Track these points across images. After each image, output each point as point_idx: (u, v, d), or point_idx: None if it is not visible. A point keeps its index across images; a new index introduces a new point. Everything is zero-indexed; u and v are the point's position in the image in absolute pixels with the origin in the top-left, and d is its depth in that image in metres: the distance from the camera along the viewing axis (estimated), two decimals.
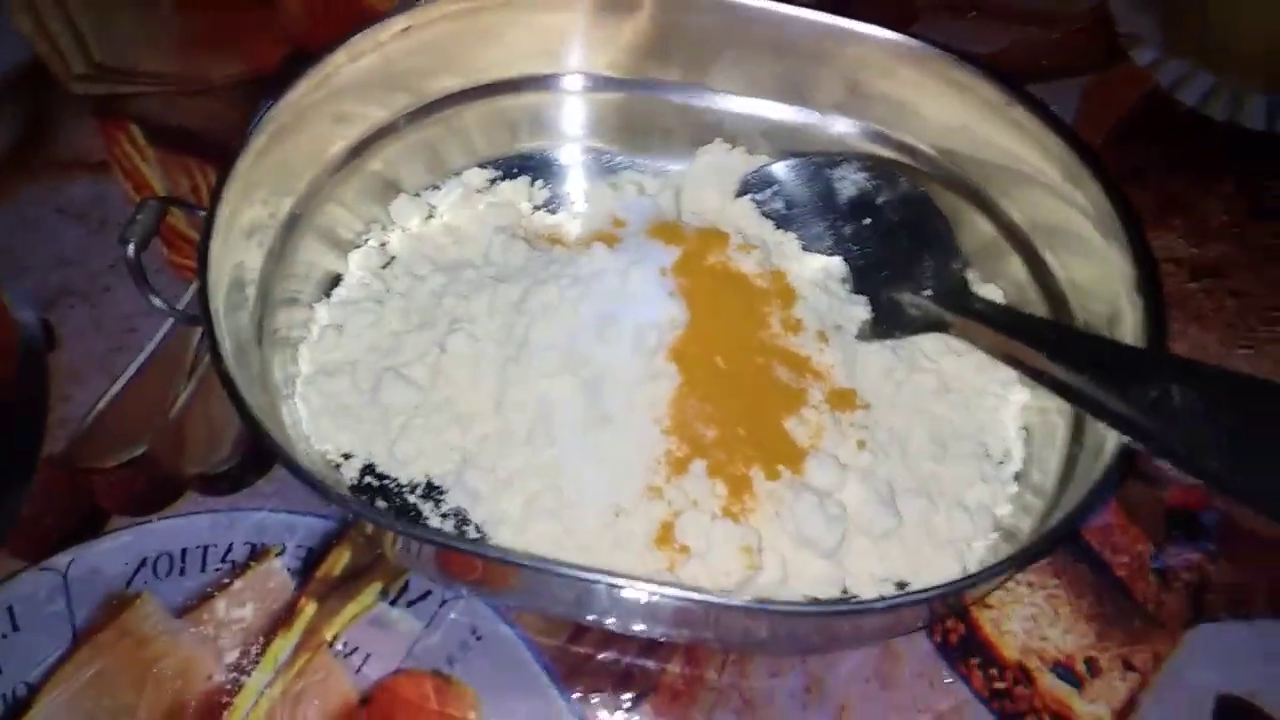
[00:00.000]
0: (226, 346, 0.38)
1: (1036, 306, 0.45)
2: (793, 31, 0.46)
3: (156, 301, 0.42)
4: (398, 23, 0.44)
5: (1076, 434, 0.41)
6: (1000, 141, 0.45)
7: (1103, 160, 0.41)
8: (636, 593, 0.35)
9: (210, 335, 0.38)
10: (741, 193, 0.49)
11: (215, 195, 0.40)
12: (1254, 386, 0.34)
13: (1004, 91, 0.43)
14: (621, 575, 0.35)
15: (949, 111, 0.46)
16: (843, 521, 0.40)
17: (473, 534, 0.42)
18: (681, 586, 0.35)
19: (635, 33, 0.48)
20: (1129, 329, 0.39)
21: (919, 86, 0.46)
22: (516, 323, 0.43)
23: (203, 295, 0.38)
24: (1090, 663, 0.41)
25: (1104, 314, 0.41)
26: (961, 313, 0.43)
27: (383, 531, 0.40)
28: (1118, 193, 0.40)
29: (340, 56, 0.44)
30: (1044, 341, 0.40)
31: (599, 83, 0.50)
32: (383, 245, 0.49)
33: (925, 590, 0.35)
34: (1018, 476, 0.44)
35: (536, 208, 0.50)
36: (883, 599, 0.36)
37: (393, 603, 0.42)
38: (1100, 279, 0.42)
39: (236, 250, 0.42)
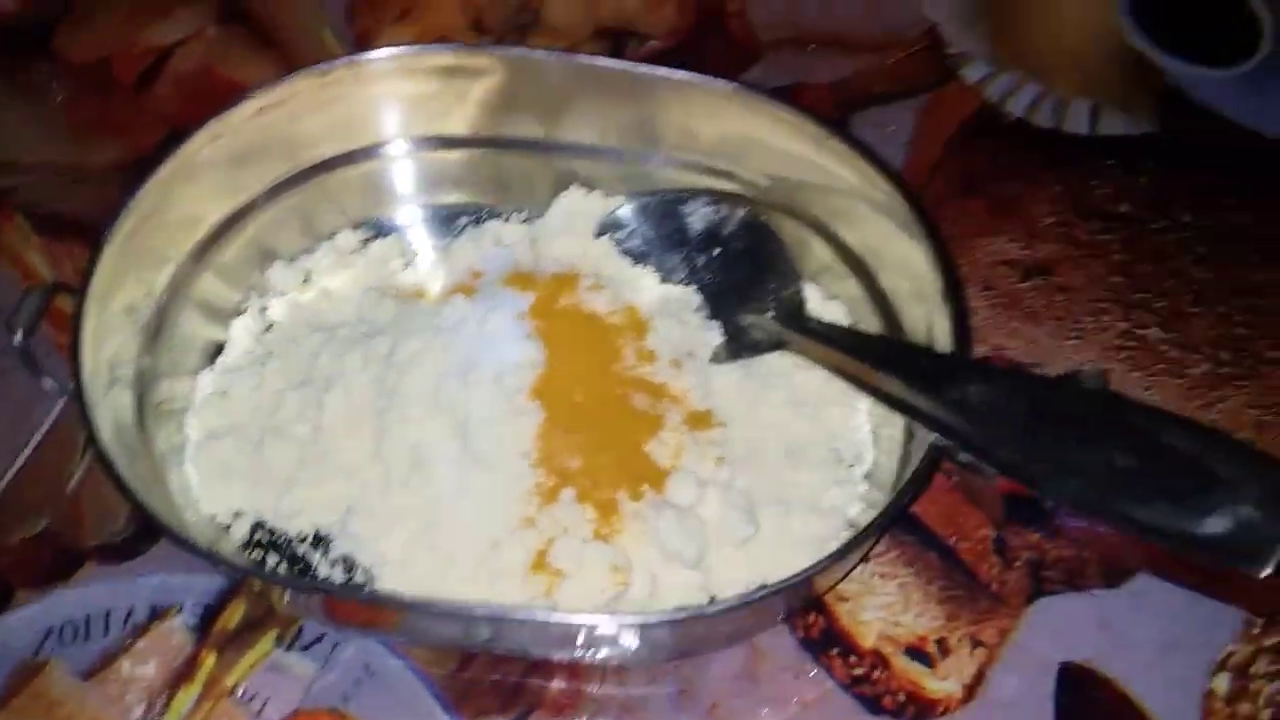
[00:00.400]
0: (103, 426, 0.41)
1: (872, 320, 0.49)
2: (629, 84, 0.49)
3: (47, 384, 0.44)
4: (251, 105, 0.47)
5: (909, 433, 0.44)
6: (826, 170, 0.48)
7: (906, 181, 0.44)
8: (502, 618, 0.39)
9: (85, 417, 0.40)
10: (600, 233, 0.53)
11: (83, 282, 0.43)
12: (1035, 383, 0.38)
13: (820, 125, 0.47)
14: (482, 605, 0.38)
15: (779, 145, 0.49)
16: (701, 533, 0.44)
17: (360, 577, 0.44)
18: (532, 608, 0.38)
19: (486, 92, 0.51)
20: (940, 335, 0.43)
21: (748, 125, 0.49)
22: (387, 375, 0.46)
23: (76, 379, 0.41)
24: (940, 643, 0.44)
25: (923, 322, 0.45)
26: (798, 331, 0.46)
27: (270, 586, 0.43)
28: (920, 211, 0.44)
29: (200, 140, 0.46)
30: (867, 353, 0.43)
31: (457, 142, 0.53)
32: (263, 311, 0.52)
33: (762, 589, 0.38)
34: (868, 476, 0.47)
35: (406, 264, 0.53)
36: (714, 602, 0.39)
37: (288, 648, 0.45)
38: (916, 291, 0.45)
39: (112, 330, 0.44)
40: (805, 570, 0.39)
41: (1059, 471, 0.34)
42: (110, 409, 0.44)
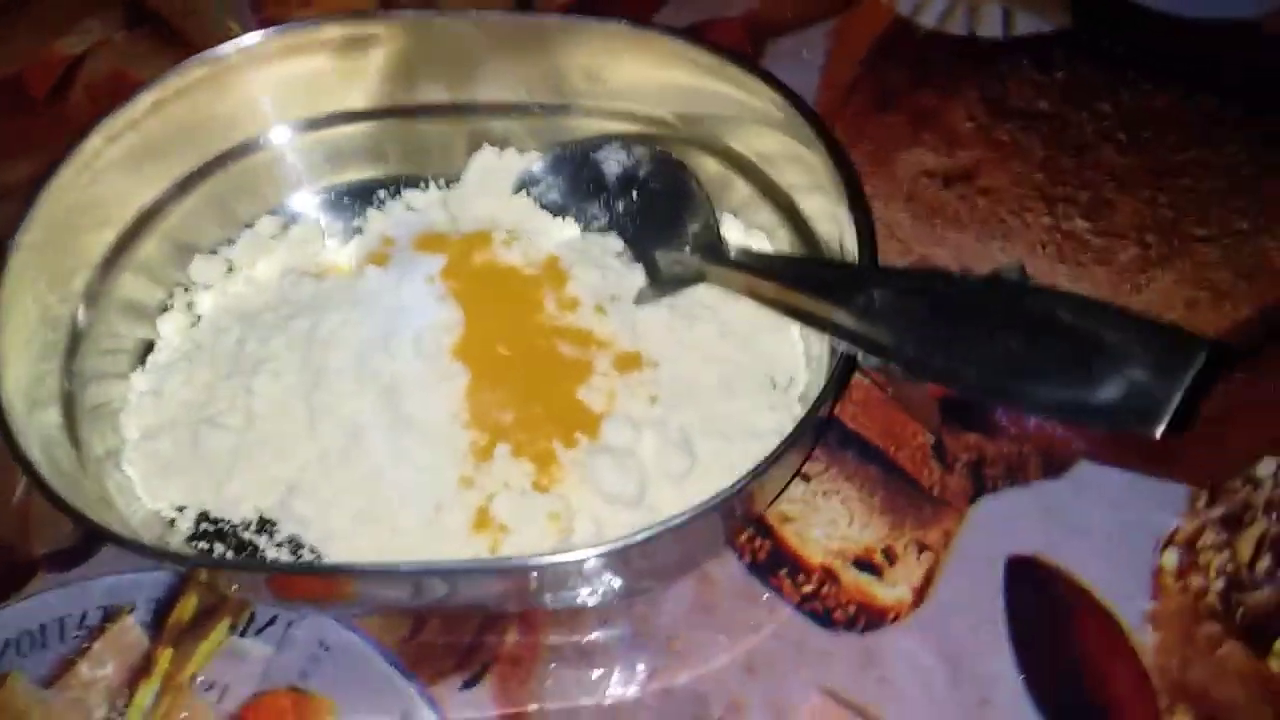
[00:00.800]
0: (29, 439, 0.41)
1: (793, 246, 0.48)
2: (530, 36, 0.49)
3: None
4: (145, 99, 0.47)
5: (835, 350, 0.44)
6: (732, 101, 0.48)
7: (799, 97, 0.44)
8: (445, 574, 0.39)
9: (7, 434, 0.40)
10: (518, 190, 0.53)
11: None
12: (935, 281, 0.38)
13: (716, 55, 0.47)
14: (422, 563, 0.38)
15: (684, 82, 0.49)
16: (639, 472, 0.44)
17: (308, 556, 0.45)
18: (475, 561, 0.38)
19: (388, 61, 0.51)
20: (851, 247, 0.43)
21: (651, 64, 0.49)
22: (310, 354, 0.46)
23: None
24: (887, 551, 0.45)
25: (837, 240, 0.45)
26: (716, 262, 0.46)
27: (216, 573, 0.43)
28: (817, 123, 0.44)
29: (96, 141, 0.46)
30: (779, 273, 0.43)
31: (365, 115, 0.52)
32: (189, 306, 0.52)
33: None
34: (802, 397, 0.47)
35: (327, 244, 0.53)
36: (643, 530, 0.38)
37: (242, 634, 0.45)
38: (829, 211, 0.45)
39: (30, 341, 0.44)
40: (727, 488, 0.38)
41: (957, 361, 0.34)
42: (37, 421, 0.44)
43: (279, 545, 0.45)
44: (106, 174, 0.47)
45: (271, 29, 0.48)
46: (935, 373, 0.35)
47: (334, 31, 0.49)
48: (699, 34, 0.58)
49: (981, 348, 0.34)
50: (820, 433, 0.46)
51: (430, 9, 0.53)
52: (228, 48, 0.48)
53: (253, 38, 0.48)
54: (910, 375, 0.36)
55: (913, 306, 0.37)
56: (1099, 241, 0.51)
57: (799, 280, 0.42)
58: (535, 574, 0.40)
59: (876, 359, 0.37)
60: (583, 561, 0.39)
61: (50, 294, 0.46)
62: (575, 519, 0.44)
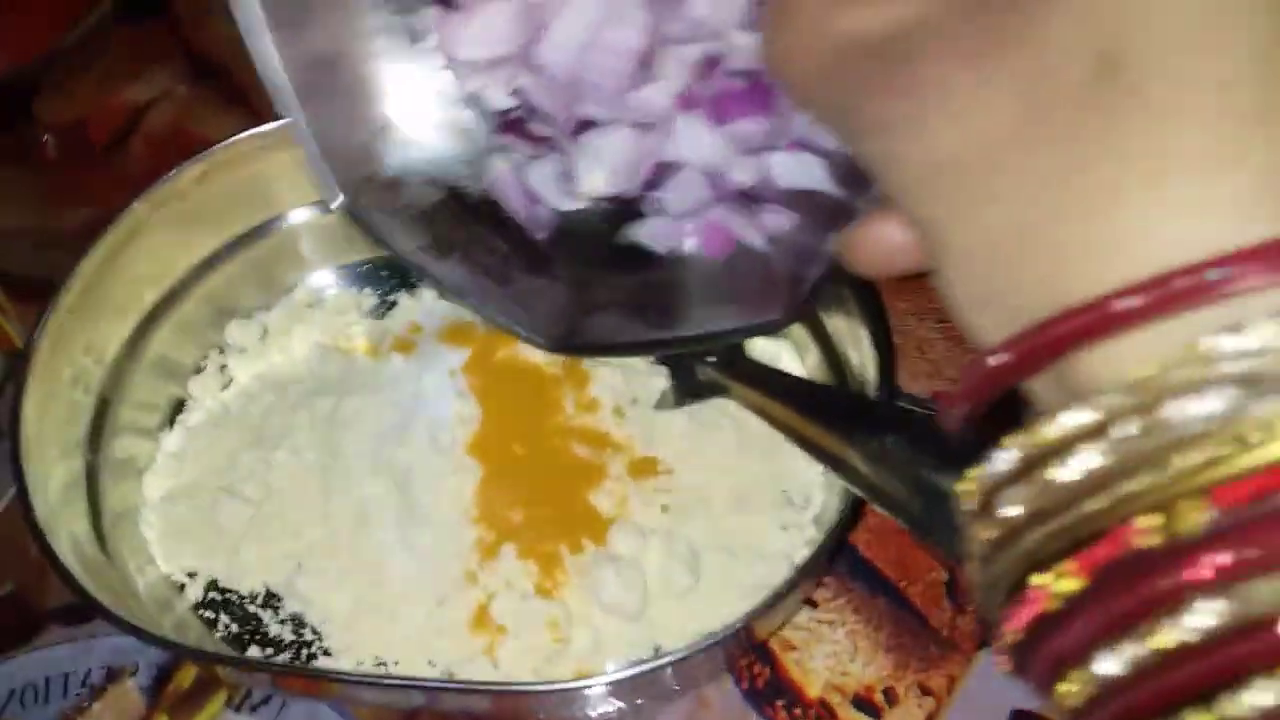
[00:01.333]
0: (41, 496, 0.41)
1: (819, 363, 0.48)
2: None
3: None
4: (193, 170, 0.48)
5: None
6: None
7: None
8: (432, 690, 0.40)
9: (21, 489, 0.41)
10: None
11: (27, 348, 0.44)
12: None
13: None
14: (410, 678, 0.39)
15: None
16: (642, 585, 0.43)
17: (309, 635, 0.45)
18: (464, 679, 0.38)
19: None
20: (872, 377, 0.42)
21: None
22: (330, 434, 0.47)
23: (14, 445, 0.42)
24: (888, 692, 0.44)
25: (859, 362, 0.44)
26: (734, 378, 0.46)
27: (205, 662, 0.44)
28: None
29: (141, 208, 0.47)
30: (795, 398, 0.43)
31: None
32: (222, 369, 0.52)
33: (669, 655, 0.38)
34: (817, 519, 0.46)
35: (363, 315, 0.53)
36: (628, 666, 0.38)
37: (238, 709, 0.45)
38: (855, 337, 0.45)
39: (60, 393, 0.45)
40: (731, 625, 0.38)
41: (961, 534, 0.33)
42: (59, 473, 0.45)
43: (282, 622, 0.46)
44: (150, 239, 0.48)
45: None
46: (938, 541, 0.34)
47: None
48: None
49: None
50: (832, 559, 0.45)
51: None
52: (277, 126, 0.49)
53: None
54: (916, 536, 0.35)
55: (926, 459, 0.36)
56: None
57: (812, 409, 0.41)
58: (525, 699, 0.40)
59: (883, 509, 0.36)
60: (571, 690, 0.39)
61: (85, 355, 0.47)
62: (574, 627, 0.44)
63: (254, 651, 0.45)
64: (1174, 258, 0.17)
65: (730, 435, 0.48)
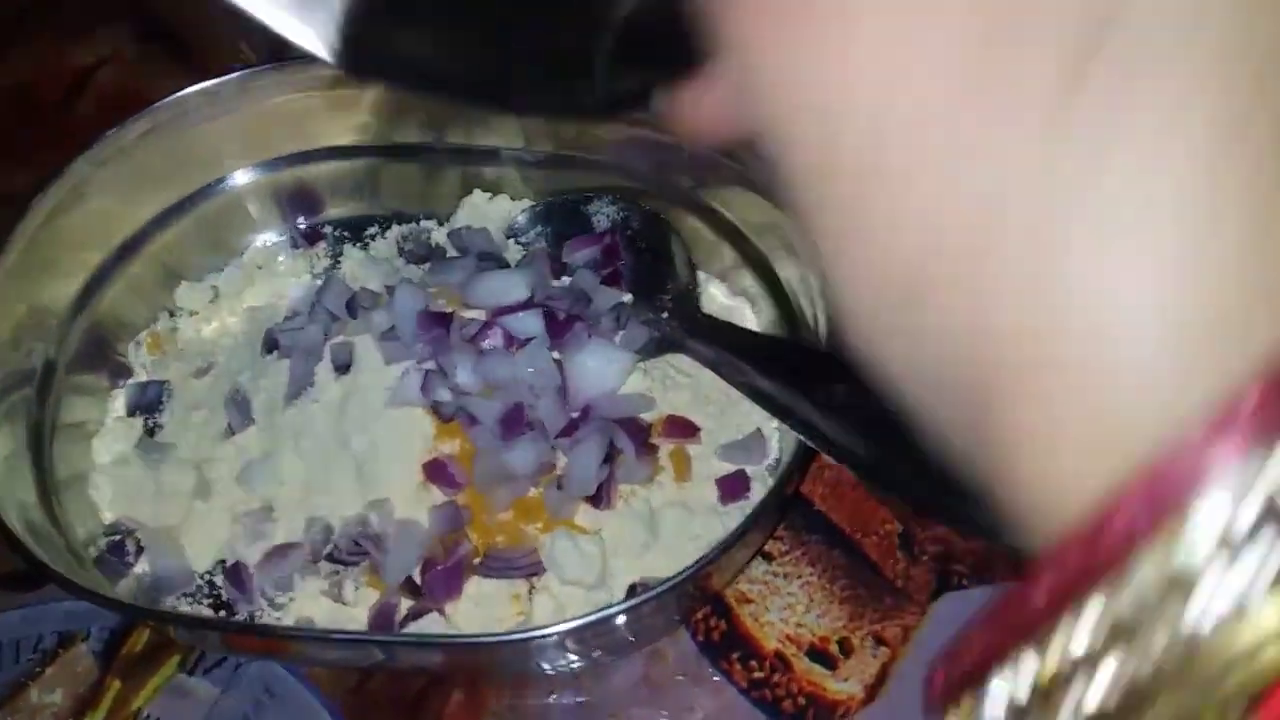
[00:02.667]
0: None
1: (773, 316, 0.48)
2: None
3: None
4: (139, 125, 0.47)
5: None
6: (718, 164, 0.47)
7: None
8: (385, 645, 0.39)
9: None
10: (509, 237, 0.52)
11: None
12: None
13: None
14: (352, 632, 0.39)
15: (673, 142, 0.48)
16: (599, 558, 0.43)
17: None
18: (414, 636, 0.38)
19: (379, 101, 0.50)
20: (824, 332, 0.42)
21: (642, 122, 0.48)
22: (273, 419, 0.46)
23: None
24: (843, 643, 0.44)
25: (812, 316, 0.44)
26: (690, 334, 0.46)
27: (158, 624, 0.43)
28: None
29: (84, 167, 0.46)
30: (746, 351, 0.42)
31: (356, 151, 0.52)
32: (173, 331, 0.52)
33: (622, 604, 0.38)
34: (773, 469, 0.46)
35: (315, 276, 0.53)
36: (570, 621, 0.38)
37: (190, 672, 0.45)
38: (807, 288, 0.44)
39: (2, 362, 0.45)
40: (679, 574, 0.38)
41: (913, 475, 0.33)
42: (3, 438, 0.44)
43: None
44: (95, 199, 0.47)
45: (268, 65, 0.48)
46: (892, 484, 0.34)
47: (329, 71, 0.49)
48: None
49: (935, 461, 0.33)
50: (785, 511, 0.45)
51: None
52: (223, 81, 0.48)
53: (248, 73, 0.48)
54: (865, 482, 0.35)
55: (876, 406, 0.36)
56: None
57: (763, 362, 0.41)
58: (482, 651, 0.40)
59: (833, 458, 0.36)
60: (529, 642, 0.39)
61: (28, 318, 0.46)
62: (535, 598, 0.43)
63: (209, 615, 0.45)
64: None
65: (686, 392, 0.47)
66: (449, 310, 0.46)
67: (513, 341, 0.45)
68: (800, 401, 0.38)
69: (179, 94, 0.47)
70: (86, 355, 0.49)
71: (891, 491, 0.34)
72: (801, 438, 0.38)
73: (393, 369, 0.45)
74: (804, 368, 0.39)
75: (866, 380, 0.36)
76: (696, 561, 0.39)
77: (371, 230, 0.54)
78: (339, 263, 0.53)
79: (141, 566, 0.46)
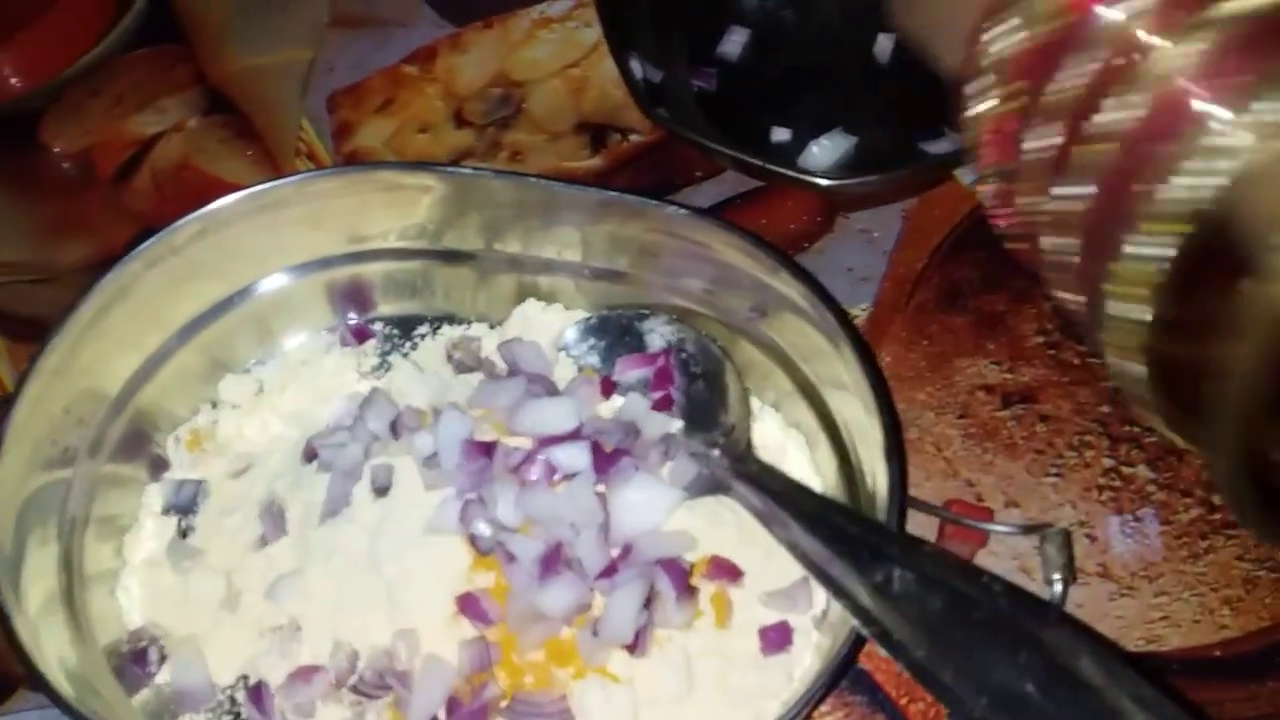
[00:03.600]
0: (4, 579, 0.40)
1: (827, 453, 0.46)
2: (589, 205, 0.48)
3: None
4: (190, 227, 0.46)
5: None
6: (783, 298, 0.46)
7: (855, 327, 0.42)
8: None
9: None
10: (560, 349, 0.51)
11: (7, 405, 0.42)
12: (958, 574, 0.35)
13: (770, 256, 0.44)
14: None
15: (736, 269, 0.47)
16: (629, 710, 0.41)
17: None
18: None
19: (435, 207, 0.49)
20: (882, 489, 0.40)
21: (701, 247, 0.47)
22: (306, 538, 0.45)
23: None
24: None
25: (869, 465, 0.42)
26: (739, 477, 0.44)
27: None
28: (870, 362, 0.42)
29: (135, 266, 0.46)
30: (801, 510, 0.41)
31: (411, 254, 0.51)
32: (213, 425, 0.51)
33: None
34: (820, 620, 0.45)
35: (361, 375, 0.52)
36: None
37: None
38: (865, 436, 0.43)
39: (43, 445, 0.44)
40: None
41: (966, 684, 0.32)
42: (33, 528, 0.43)
43: None
44: (143, 295, 0.47)
45: (322, 172, 0.48)
46: (941, 689, 0.32)
47: (390, 177, 0.48)
48: (773, 205, 0.56)
49: (995, 676, 0.31)
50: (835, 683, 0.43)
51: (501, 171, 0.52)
52: (280, 185, 0.47)
53: (306, 177, 0.47)
54: (919, 681, 0.33)
55: (931, 601, 0.34)
56: (1160, 495, 0.48)
57: (816, 525, 0.39)
58: None
59: (885, 649, 0.34)
60: None
61: (64, 415, 0.45)
62: None
63: None
64: None
65: (732, 530, 0.46)
66: (494, 439, 0.44)
67: (555, 472, 0.44)
68: (852, 579, 0.37)
69: (231, 198, 0.47)
70: (127, 445, 0.49)
71: (943, 699, 0.33)
72: (852, 617, 0.36)
73: (432, 495, 0.44)
74: (860, 540, 0.37)
75: (929, 569, 0.34)
76: None
77: (422, 330, 0.53)
78: (386, 361, 0.52)
79: (163, 677, 0.45)
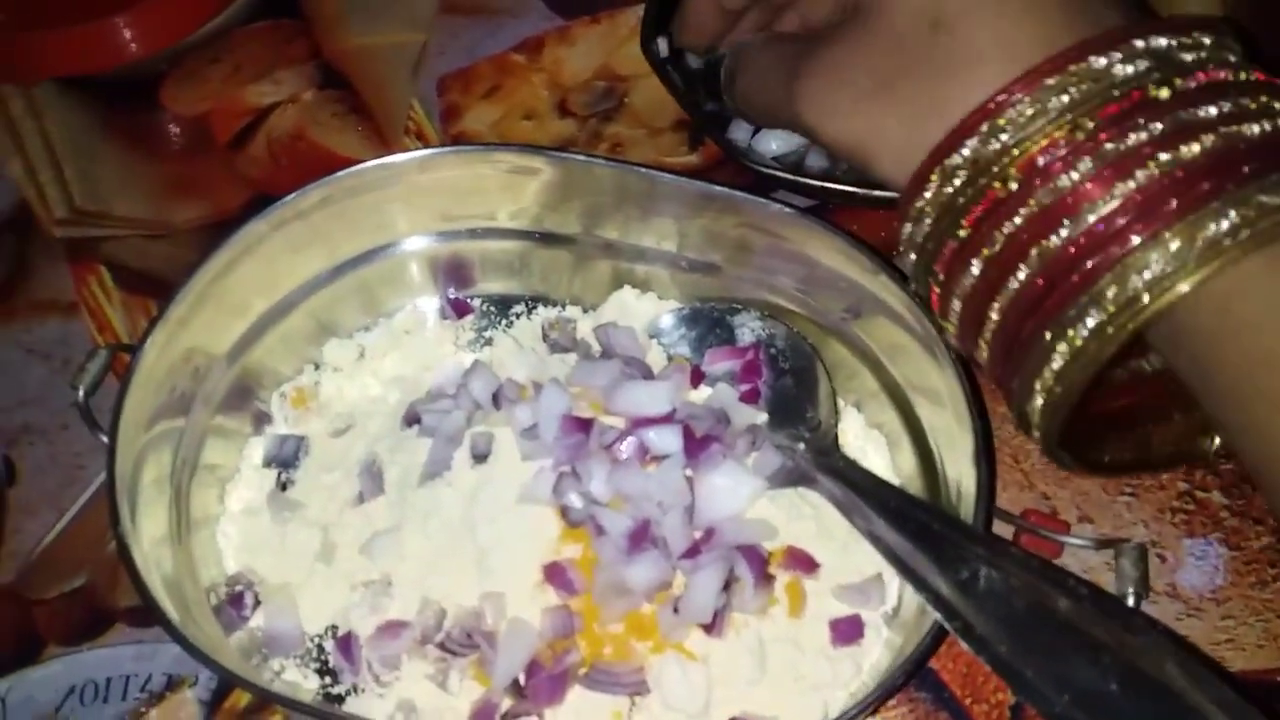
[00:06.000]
0: (124, 511, 0.42)
1: (909, 455, 0.47)
2: (691, 197, 0.49)
3: (105, 439, 0.46)
4: (316, 192, 0.48)
5: None
6: (879, 301, 0.47)
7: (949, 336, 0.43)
8: None
9: (111, 497, 0.42)
10: (651, 336, 0.52)
11: (138, 346, 0.45)
12: (1045, 575, 0.36)
13: (872, 259, 0.46)
14: None
15: (833, 269, 0.48)
16: (704, 688, 0.43)
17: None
18: None
19: (544, 192, 0.51)
20: (968, 492, 0.42)
21: (802, 246, 0.48)
22: (404, 499, 0.47)
23: (112, 439, 0.43)
24: None
25: (954, 468, 0.44)
26: (825, 471, 0.45)
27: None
28: (965, 367, 0.43)
29: (262, 226, 0.48)
30: (885, 505, 0.42)
31: (515, 234, 0.53)
32: (315, 385, 0.53)
33: None
34: (891, 616, 0.46)
35: (458, 348, 0.54)
36: None
37: None
38: (951, 441, 0.44)
39: (159, 400, 0.46)
40: None
41: (1048, 682, 0.33)
42: (149, 472, 0.45)
43: None
44: (265, 255, 0.49)
45: (447, 148, 0.49)
46: (1023, 685, 0.34)
47: (504, 158, 0.50)
48: (863, 211, 0.57)
49: (1077, 675, 0.32)
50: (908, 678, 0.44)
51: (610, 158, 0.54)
52: (404, 160, 0.49)
53: (427, 154, 0.49)
54: (1002, 678, 0.34)
55: (1016, 600, 0.35)
56: (1232, 521, 0.48)
57: (899, 520, 0.41)
58: None
59: (966, 644, 0.36)
60: None
61: (185, 363, 0.47)
62: (635, 716, 0.43)
63: (314, 680, 0.45)
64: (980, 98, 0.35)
65: (811, 524, 0.47)
66: (591, 416, 0.46)
67: (647, 452, 0.46)
68: (935, 574, 0.38)
69: (359, 166, 0.49)
70: (233, 398, 0.50)
71: (1024, 695, 0.34)
72: (933, 612, 0.38)
73: (528, 465, 0.46)
74: (945, 537, 0.39)
75: (1015, 570, 0.35)
76: None
77: (518, 309, 0.54)
78: (483, 337, 0.54)
79: (256, 621, 0.47)
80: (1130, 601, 0.41)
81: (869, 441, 0.50)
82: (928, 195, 0.37)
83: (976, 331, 0.38)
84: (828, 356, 0.50)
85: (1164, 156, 0.33)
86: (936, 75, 0.37)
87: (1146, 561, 0.41)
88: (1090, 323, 0.33)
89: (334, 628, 0.46)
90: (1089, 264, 0.33)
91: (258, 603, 0.47)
